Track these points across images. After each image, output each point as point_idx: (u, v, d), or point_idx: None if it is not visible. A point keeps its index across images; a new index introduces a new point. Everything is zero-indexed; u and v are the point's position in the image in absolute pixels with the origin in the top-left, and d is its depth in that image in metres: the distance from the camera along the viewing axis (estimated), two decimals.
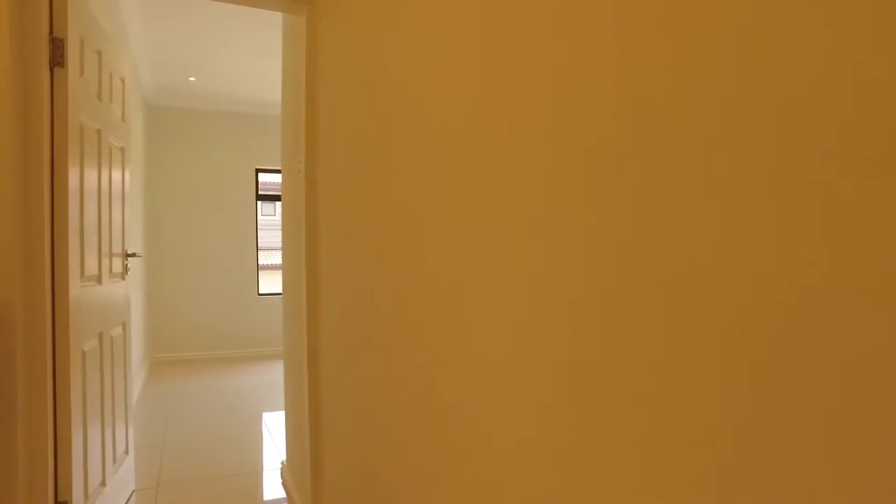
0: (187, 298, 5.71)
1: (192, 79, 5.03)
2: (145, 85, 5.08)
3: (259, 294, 6.00)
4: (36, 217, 1.63)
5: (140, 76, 4.75)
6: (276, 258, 19.22)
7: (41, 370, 1.63)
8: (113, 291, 2.24)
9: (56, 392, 1.73)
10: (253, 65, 4.71)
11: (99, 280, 2.06)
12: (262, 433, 3.36)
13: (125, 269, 2.43)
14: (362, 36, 1.44)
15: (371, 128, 1.38)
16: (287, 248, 2.46)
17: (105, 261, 2.12)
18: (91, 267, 1.96)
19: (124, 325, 2.41)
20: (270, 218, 20.51)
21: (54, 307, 1.73)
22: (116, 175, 2.32)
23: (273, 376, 4.91)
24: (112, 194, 2.25)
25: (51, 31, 1.74)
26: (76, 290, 1.80)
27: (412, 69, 1.12)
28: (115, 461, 2.22)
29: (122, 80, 2.43)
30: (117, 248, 2.31)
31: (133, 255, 2.45)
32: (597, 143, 0.61)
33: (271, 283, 7.85)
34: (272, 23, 3.99)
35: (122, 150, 2.42)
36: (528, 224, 0.75)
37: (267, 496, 2.48)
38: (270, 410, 3.82)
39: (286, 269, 2.50)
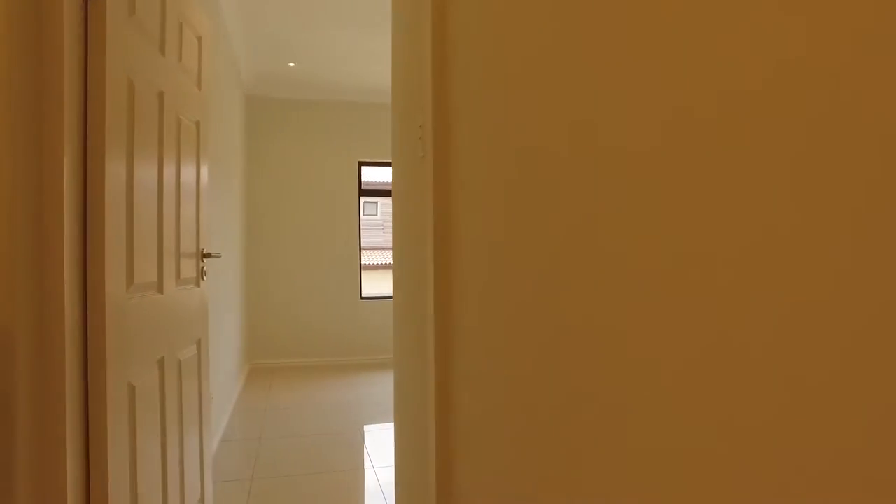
0: (286, 301, 5.38)
1: (291, 64, 4.65)
2: (244, 74, 4.77)
3: (362, 297, 5.57)
4: (51, 212, 1.13)
5: (238, 63, 4.42)
6: (377, 258, 19.22)
7: (57, 416, 1.13)
8: (182, 301, 1.76)
9: (90, 444, 1.24)
10: (357, 44, 4.24)
11: (159, 288, 1.57)
12: (363, 466, 2.83)
13: (201, 272, 1.95)
14: None
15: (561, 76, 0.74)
16: (401, 242, 1.88)
17: (169, 263, 1.64)
18: (145, 272, 1.47)
19: (199, 344, 1.94)
20: (371, 218, 20.60)
21: (87, 329, 1.23)
22: (188, 156, 1.84)
23: (375, 389, 4.42)
24: (182, 180, 1.77)
25: None
26: (118, 301, 1.31)
27: None
28: None
29: (199, 39, 1.96)
30: (188, 248, 1.83)
31: (209, 255, 1.97)
32: None
33: (373, 284, 7.51)
34: None
35: (198, 125, 1.95)
36: None
37: None
38: (372, 431, 3.29)
39: (399, 268, 1.92)
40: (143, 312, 1.46)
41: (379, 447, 3.10)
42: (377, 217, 21.00)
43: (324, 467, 2.81)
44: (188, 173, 1.83)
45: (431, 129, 1.28)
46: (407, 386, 1.78)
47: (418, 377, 1.60)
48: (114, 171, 1.30)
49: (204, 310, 2.00)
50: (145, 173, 1.48)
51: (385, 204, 21.14)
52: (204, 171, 2.02)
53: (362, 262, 5.64)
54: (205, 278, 2.00)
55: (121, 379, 1.32)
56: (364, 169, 5.74)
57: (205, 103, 2.02)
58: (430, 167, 1.28)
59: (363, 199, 5.73)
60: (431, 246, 1.28)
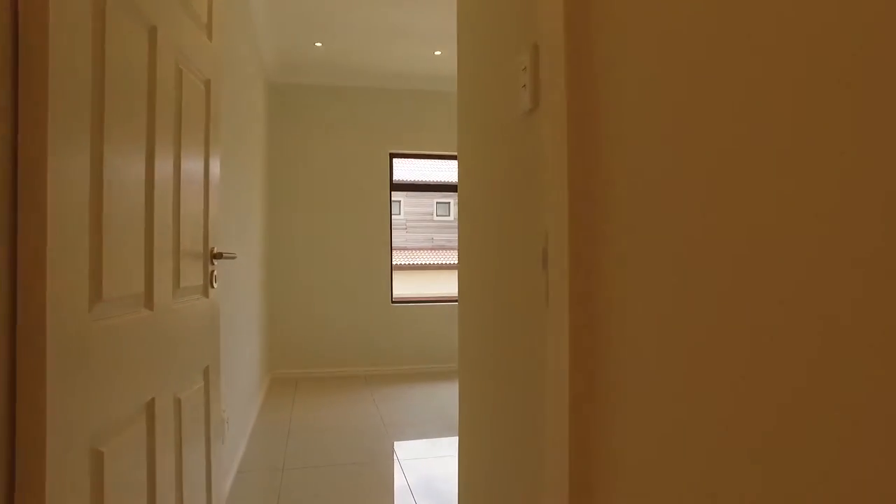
0: (310, 305, 4.93)
1: (318, 44, 4.21)
2: (266, 58, 4.34)
3: (392, 302, 5.10)
4: None
5: (260, 46, 3.98)
6: (399, 258, 18.74)
7: None
8: (183, 317, 1.30)
9: None
10: (390, 20, 3.77)
11: (147, 301, 1.11)
12: None
13: (210, 278, 1.49)
14: None
15: None
16: (478, 236, 1.41)
17: (162, 268, 1.18)
18: (124, 281, 1.01)
19: (207, 373, 1.48)
20: (394, 217, 20.15)
21: (15, 376, 0.77)
22: (194, 125, 1.38)
23: (410, 405, 3.94)
24: (183, 156, 1.31)
25: None
26: (73, 327, 0.84)
27: None
28: None
29: None
30: (193, 247, 1.37)
31: (219, 255, 1.51)
32: None
33: (397, 287, 7.08)
34: None
35: (208, 85, 1.49)
36: None
37: None
38: (413, 461, 2.81)
39: (470, 263, 1.45)
40: (118, 340, 0.99)
41: (419, 475, 2.63)
42: (400, 216, 20.56)
43: None
44: (193, 148, 1.37)
45: (563, 53, 0.79)
46: (493, 420, 1.30)
47: (512, 412, 1.13)
48: (64, 141, 0.84)
49: (214, 326, 1.54)
50: (123, 144, 1.02)
51: (408, 203, 20.70)
52: (215, 148, 1.56)
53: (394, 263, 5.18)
54: (215, 285, 1.54)
55: (77, 450, 0.86)
56: (400, 158, 5.30)
57: (218, 59, 1.56)
58: (564, 119, 0.80)
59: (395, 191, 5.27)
60: (565, 232, 0.80)
